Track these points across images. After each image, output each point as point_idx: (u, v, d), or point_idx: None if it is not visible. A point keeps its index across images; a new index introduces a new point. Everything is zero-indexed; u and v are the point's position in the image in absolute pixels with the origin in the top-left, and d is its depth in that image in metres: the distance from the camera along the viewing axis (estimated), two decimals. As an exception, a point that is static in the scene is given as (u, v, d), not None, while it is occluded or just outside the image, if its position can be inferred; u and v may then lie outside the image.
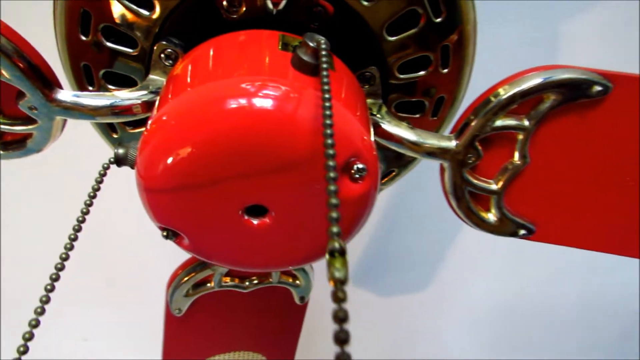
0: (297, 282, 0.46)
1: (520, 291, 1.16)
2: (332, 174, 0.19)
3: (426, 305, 1.15)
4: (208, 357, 0.51)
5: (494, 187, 0.36)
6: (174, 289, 0.44)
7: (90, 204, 0.28)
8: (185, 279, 0.44)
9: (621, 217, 0.39)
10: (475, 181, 0.36)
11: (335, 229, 0.15)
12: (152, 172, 0.26)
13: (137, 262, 1.00)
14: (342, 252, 0.14)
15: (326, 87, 0.22)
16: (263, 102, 0.25)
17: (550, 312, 1.19)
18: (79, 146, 0.70)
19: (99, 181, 0.29)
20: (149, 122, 0.28)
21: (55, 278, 0.25)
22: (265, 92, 0.25)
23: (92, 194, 0.28)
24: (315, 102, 0.24)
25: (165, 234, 0.28)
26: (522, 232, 0.38)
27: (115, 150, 0.30)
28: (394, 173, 0.42)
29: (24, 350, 0.23)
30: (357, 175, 0.26)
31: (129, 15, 0.31)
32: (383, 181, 0.43)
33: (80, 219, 0.28)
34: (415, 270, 1.09)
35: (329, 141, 0.20)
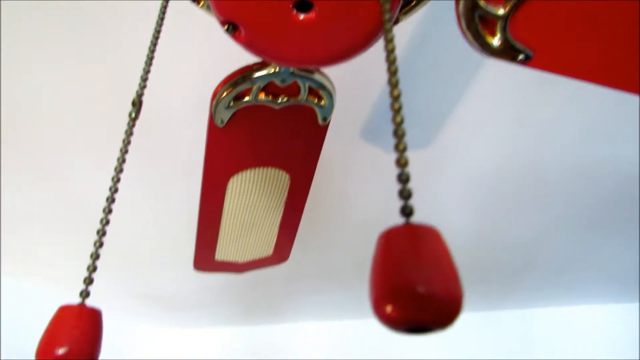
0: (322, 102, 0.53)
1: (515, 154, 1.24)
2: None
3: (427, 162, 1.25)
4: (242, 168, 0.61)
5: (501, 11, 0.41)
6: (217, 102, 0.52)
7: (153, 52, 0.32)
8: (225, 93, 0.51)
9: (612, 51, 0.44)
10: (485, 5, 0.41)
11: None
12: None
13: (158, 108, 1.07)
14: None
15: None
16: None
17: (542, 174, 1.29)
18: None
19: (161, 20, 0.34)
20: None
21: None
22: None
23: (153, 41, 0.33)
24: None
25: (226, 27, 0.35)
26: (521, 57, 0.44)
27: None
28: (413, 3, 0.47)
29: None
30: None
31: None
32: (403, 11, 0.48)
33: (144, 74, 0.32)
34: (420, 129, 1.17)
35: None
